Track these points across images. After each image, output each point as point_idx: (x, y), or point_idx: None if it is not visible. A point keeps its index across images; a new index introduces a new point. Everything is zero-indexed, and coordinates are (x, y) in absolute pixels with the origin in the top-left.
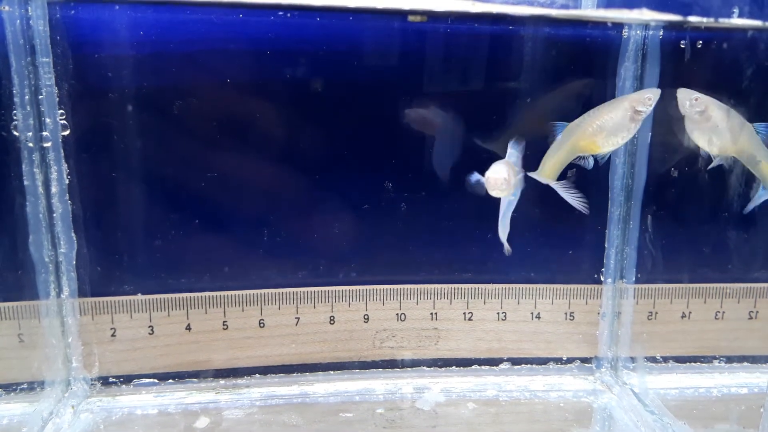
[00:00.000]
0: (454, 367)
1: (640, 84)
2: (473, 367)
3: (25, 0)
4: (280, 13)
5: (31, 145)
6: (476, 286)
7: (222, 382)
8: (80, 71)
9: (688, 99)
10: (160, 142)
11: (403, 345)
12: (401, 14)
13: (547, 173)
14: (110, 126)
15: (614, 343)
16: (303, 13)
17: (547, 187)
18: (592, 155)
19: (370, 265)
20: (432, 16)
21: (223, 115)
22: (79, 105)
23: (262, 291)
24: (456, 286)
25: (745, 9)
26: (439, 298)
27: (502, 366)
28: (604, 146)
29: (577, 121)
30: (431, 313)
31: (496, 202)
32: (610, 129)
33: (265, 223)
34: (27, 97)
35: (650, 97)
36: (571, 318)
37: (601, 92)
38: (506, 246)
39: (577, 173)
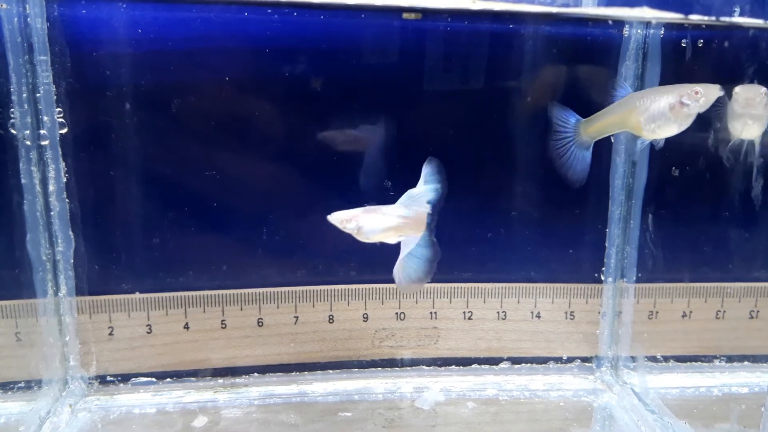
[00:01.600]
0: (453, 367)
1: (641, 83)
2: (473, 366)
3: None
4: (270, 11)
5: (28, 143)
6: (476, 285)
7: (220, 381)
8: (78, 69)
9: (760, 94)
10: (159, 140)
11: (403, 344)
12: (401, 11)
13: (591, 131)
14: (108, 124)
15: (614, 342)
16: (303, 10)
17: (546, 186)
18: (645, 139)
19: (369, 263)
20: (432, 14)
21: (221, 113)
22: (76, 103)
23: (261, 290)
24: (456, 285)
25: (746, 7)
26: (438, 297)
27: (501, 365)
28: (645, 129)
29: (640, 92)
30: (431, 312)
31: (496, 201)
32: (651, 112)
33: (264, 222)
34: (24, 95)
35: (698, 91)
36: (572, 317)
37: (601, 91)
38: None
39: None
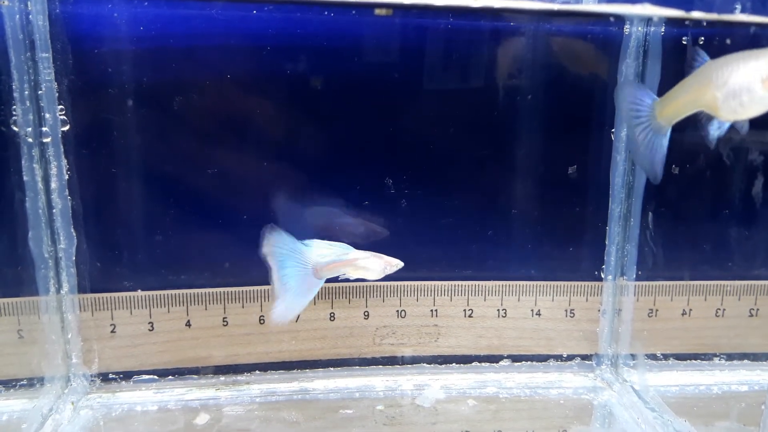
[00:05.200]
0: (454, 364)
1: (641, 81)
2: (473, 363)
3: None
4: (264, 8)
5: (30, 140)
6: (477, 282)
7: (222, 378)
8: (80, 66)
9: None
10: (160, 137)
11: (404, 342)
12: (402, 8)
13: (666, 113)
14: (110, 122)
15: (614, 340)
16: (304, 8)
17: (547, 184)
18: (724, 121)
19: None
20: (433, 11)
21: (222, 110)
22: (78, 100)
23: (263, 287)
24: (456, 282)
25: (747, 4)
26: (439, 294)
27: (502, 363)
28: (723, 108)
29: (719, 60)
30: (431, 310)
31: (496, 199)
32: (731, 86)
33: (265, 220)
34: (26, 92)
35: None
36: (572, 315)
37: (601, 89)
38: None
39: (577, 170)
